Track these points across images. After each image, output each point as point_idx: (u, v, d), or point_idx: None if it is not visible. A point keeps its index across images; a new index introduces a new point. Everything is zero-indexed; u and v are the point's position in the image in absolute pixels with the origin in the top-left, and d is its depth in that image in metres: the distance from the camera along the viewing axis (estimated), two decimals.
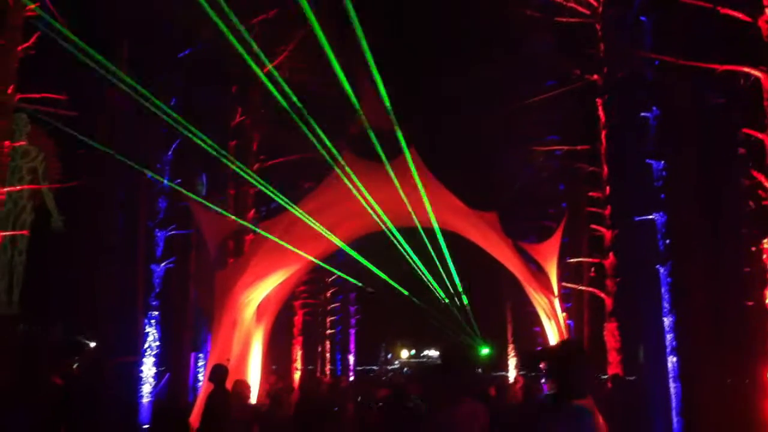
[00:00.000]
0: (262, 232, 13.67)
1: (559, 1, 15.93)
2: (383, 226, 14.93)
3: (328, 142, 10.99)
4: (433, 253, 16.54)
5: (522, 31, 17.26)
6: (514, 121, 17.87)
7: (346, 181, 12.46)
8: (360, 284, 26.65)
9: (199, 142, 10.98)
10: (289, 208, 13.39)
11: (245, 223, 14.30)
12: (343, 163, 12.56)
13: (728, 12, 9.97)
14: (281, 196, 13.10)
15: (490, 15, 17.71)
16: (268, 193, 13.06)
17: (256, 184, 14.35)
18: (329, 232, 14.79)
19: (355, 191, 12.73)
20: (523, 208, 19.49)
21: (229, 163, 14.17)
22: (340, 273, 22.06)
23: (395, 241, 15.27)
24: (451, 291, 21.70)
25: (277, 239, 13.17)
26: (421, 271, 18.15)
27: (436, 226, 14.91)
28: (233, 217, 13.99)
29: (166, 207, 14.32)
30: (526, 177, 18.74)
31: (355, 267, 20.87)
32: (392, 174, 12.36)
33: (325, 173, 13.82)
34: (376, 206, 13.43)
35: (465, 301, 22.20)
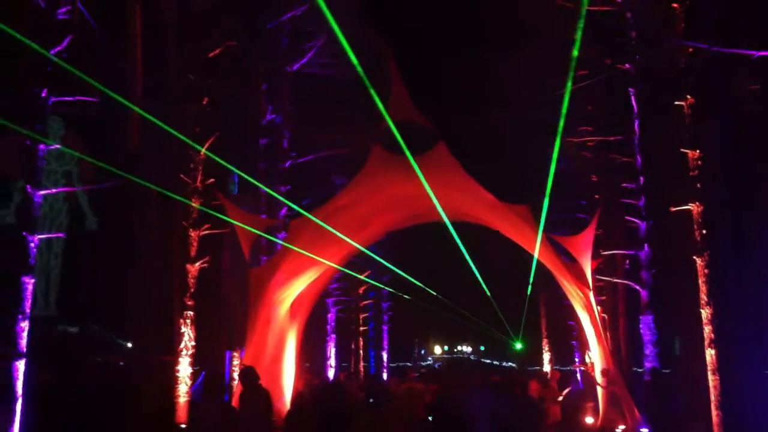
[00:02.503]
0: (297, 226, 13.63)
1: None
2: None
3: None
4: (463, 249, 16.47)
5: (554, 20, 17.10)
6: (546, 112, 17.69)
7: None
8: (390, 288, 26.65)
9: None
10: (305, 214, 13.45)
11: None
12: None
13: None
14: (291, 204, 13.10)
15: (523, 5, 17.58)
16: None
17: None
18: (355, 232, 14.81)
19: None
20: (556, 201, 19.29)
21: None
22: (367, 279, 22.06)
23: (434, 236, 15.21)
24: (483, 287, 21.60)
25: (323, 223, 13.12)
26: (454, 266, 18.11)
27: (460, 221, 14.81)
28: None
29: (199, 207, 14.38)
30: (559, 168, 18.57)
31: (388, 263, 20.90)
32: (418, 170, 12.28)
33: (356, 168, 13.81)
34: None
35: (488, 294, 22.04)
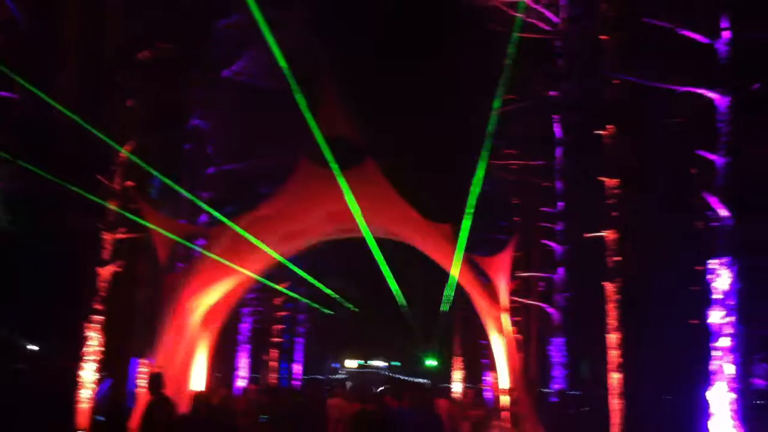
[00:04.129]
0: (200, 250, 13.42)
1: (521, 17, 16.11)
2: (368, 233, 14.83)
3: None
4: (383, 265, 16.55)
5: (485, 44, 17.41)
6: (472, 133, 17.98)
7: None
8: (310, 301, 26.46)
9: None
10: (227, 222, 13.27)
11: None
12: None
13: (688, 33, 10.18)
14: (212, 210, 12.89)
15: (454, 29, 17.88)
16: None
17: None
18: (276, 243, 14.67)
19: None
20: (478, 221, 19.57)
21: None
22: (285, 290, 21.85)
23: (353, 250, 15.21)
24: (400, 303, 21.74)
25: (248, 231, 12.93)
26: (374, 282, 18.17)
27: (369, 236, 14.86)
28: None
29: (116, 209, 13.96)
30: (482, 190, 18.87)
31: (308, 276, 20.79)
32: (345, 186, 12.28)
33: (282, 180, 13.71)
34: (356, 212, 13.33)
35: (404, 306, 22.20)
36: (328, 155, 11.16)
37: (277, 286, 19.65)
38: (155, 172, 14.08)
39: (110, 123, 13.07)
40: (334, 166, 11.53)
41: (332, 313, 24.37)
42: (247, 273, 15.58)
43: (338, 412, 16.72)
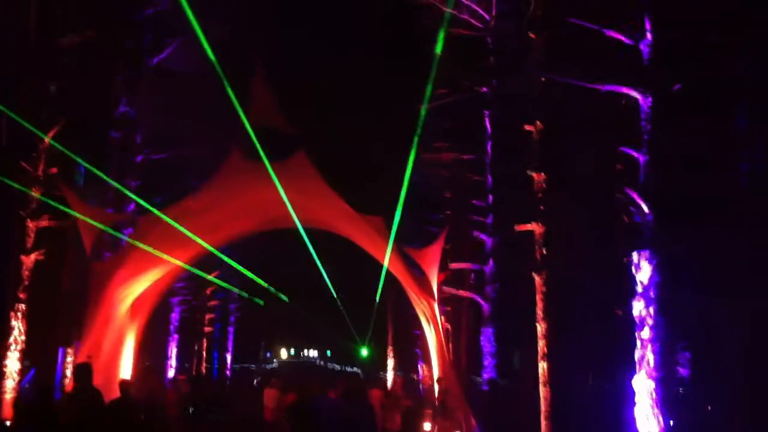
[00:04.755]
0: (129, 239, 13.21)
1: (453, 13, 16.27)
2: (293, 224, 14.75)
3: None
4: (314, 255, 16.54)
5: (418, 39, 17.56)
6: (405, 126, 18.09)
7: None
8: (237, 290, 26.22)
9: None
10: (155, 212, 13.07)
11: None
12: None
13: (613, 34, 10.46)
14: (139, 199, 12.67)
15: (389, 23, 17.96)
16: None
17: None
18: (207, 233, 14.53)
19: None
20: (410, 214, 19.73)
21: None
22: (215, 280, 21.67)
23: (287, 239, 15.18)
24: (332, 293, 21.76)
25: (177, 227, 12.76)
26: (306, 272, 18.18)
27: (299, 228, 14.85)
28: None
29: (39, 196, 13.59)
30: (414, 183, 19.04)
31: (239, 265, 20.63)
32: (274, 177, 12.22)
33: (212, 170, 13.56)
34: (287, 203, 13.27)
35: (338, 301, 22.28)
36: (258, 146, 11.08)
37: (206, 275, 19.43)
38: (80, 160, 13.74)
39: (33, 108, 12.71)
40: (264, 157, 11.45)
41: (262, 303, 24.22)
42: (176, 262, 15.39)
43: (274, 401, 16.80)
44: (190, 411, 13.24)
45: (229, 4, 15.63)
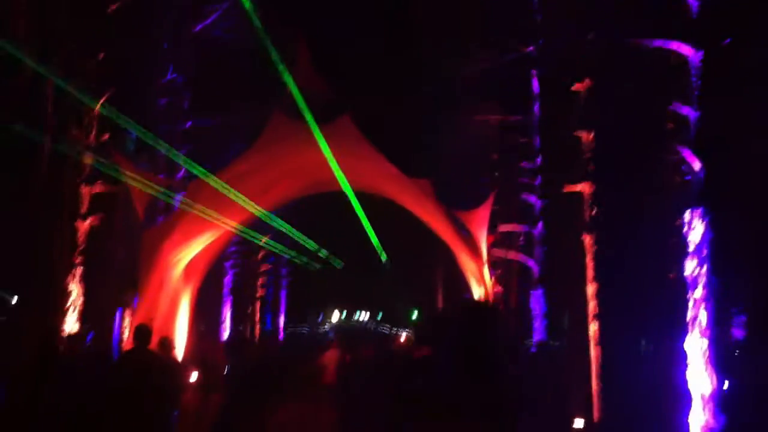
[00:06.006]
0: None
1: None
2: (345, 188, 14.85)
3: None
4: (364, 218, 16.61)
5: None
6: (450, 89, 17.97)
7: None
8: (291, 252, 26.56)
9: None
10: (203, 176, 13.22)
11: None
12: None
13: None
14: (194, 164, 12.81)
15: None
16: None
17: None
18: (258, 196, 14.67)
19: None
20: (457, 176, 19.62)
21: None
22: (268, 244, 21.88)
23: (336, 203, 15.27)
24: (384, 256, 21.90)
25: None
26: (354, 236, 18.27)
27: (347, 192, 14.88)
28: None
29: (92, 162, 13.89)
30: (461, 145, 18.93)
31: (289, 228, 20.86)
32: (320, 138, 12.26)
33: (259, 132, 13.64)
34: (333, 165, 13.36)
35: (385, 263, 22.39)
36: (303, 108, 11.10)
37: (256, 239, 19.63)
38: (131, 126, 13.99)
39: (84, 77, 12.93)
40: (310, 119, 11.48)
41: (316, 266, 24.49)
42: (228, 225, 15.61)
43: (334, 362, 17.09)
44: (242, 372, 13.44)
45: None
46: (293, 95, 11.20)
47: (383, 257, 21.50)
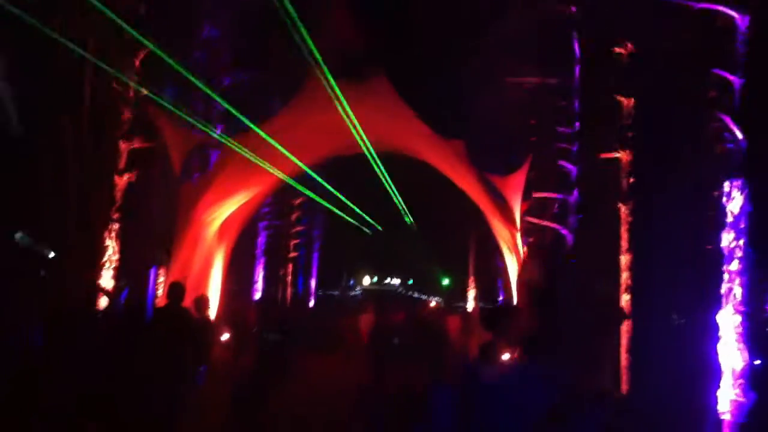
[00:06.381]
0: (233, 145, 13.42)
1: None
2: (364, 148, 14.86)
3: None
4: (389, 181, 16.59)
5: None
6: (486, 49, 17.63)
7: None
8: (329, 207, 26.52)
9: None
10: (254, 128, 13.23)
11: (217, 136, 13.93)
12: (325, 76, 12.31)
13: None
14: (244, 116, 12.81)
15: None
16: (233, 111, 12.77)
17: (221, 101, 14.05)
18: (292, 155, 14.70)
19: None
20: (492, 140, 19.39)
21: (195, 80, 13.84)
22: (306, 191, 21.87)
23: (368, 165, 15.26)
24: (408, 219, 21.84)
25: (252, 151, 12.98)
26: (387, 200, 18.25)
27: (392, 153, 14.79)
28: (201, 127, 13.68)
29: (131, 118, 13.98)
30: (497, 107, 18.66)
31: (323, 189, 20.86)
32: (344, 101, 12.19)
33: (294, 90, 13.63)
34: (355, 126, 13.34)
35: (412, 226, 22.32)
36: (327, 72, 11.04)
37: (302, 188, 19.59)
38: (170, 81, 14.03)
39: (121, 31, 12.95)
40: (335, 81, 11.40)
41: (342, 215, 24.33)
42: (262, 186, 15.68)
43: (369, 326, 17.28)
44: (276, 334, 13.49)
45: None
46: (328, 51, 11.13)
47: (408, 220, 21.46)
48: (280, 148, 13.62)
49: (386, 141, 15.56)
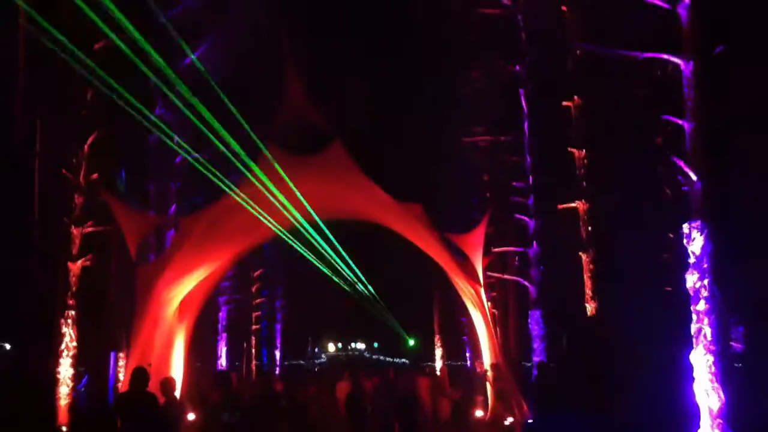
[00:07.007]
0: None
1: None
2: (317, 218, 14.78)
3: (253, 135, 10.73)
4: (337, 247, 16.53)
5: (447, 23, 17.34)
6: (440, 112, 17.95)
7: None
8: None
9: None
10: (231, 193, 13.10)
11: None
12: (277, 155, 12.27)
13: (648, 0, 10.16)
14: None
15: (416, 8, 17.74)
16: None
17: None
18: (246, 230, 14.55)
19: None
20: (449, 199, 19.57)
21: None
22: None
23: (317, 236, 15.16)
24: (367, 287, 21.74)
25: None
26: (344, 264, 18.11)
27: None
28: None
29: (82, 203, 13.73)
30: (452, 168, 18.89)
31: (280, 263, 20.66)
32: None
33: (247, 166, 13.54)
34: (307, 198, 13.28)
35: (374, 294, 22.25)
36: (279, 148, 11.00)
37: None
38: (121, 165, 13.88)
39: (70, 116, 12.84)
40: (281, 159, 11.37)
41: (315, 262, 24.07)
42: (220, 262, 15.46)
43: (343, 392, 16.97)
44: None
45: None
46: (282, 126, 11.13)
47: (360, 287, 21.39)
48: (257, 212, 13.46)
49: (341, 208, 15.54)
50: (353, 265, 18.38)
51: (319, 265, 18.76)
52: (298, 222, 14.82)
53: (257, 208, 13.24)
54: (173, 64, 15.60)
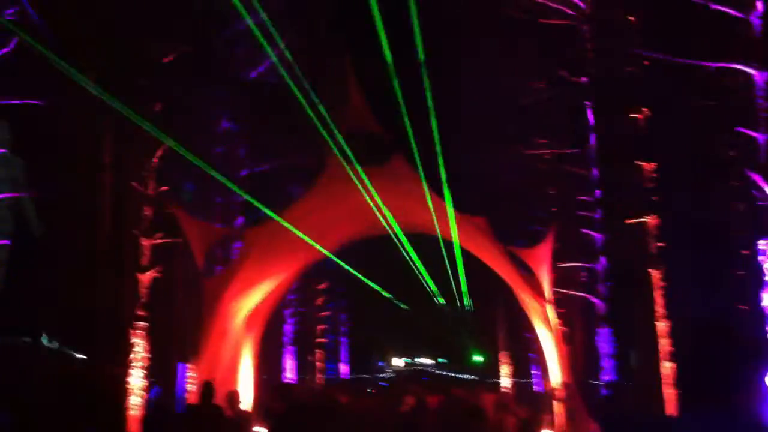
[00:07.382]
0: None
1: (543, 2, 15.87)
2: (388, 229, 14.78)
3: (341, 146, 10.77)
4: (414, 259, 16.42)
5: (510, 32, 17.14)
6: (504, 124, 17.75)
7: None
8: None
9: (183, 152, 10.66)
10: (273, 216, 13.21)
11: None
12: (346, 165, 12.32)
13: (719, 8, 9.87)
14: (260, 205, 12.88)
15: (479, 18, 17.61)
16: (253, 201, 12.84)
17: (241, 193, 14.09)
18: (314, 241, 14.62)
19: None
20: (514, 213, 19.30)
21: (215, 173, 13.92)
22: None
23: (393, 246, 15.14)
24: (448, 297, 21.60)
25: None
26: (413, 279, 18.06)
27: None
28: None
29: (152, 215, 14.04)
30: (515, 181, 18.63)
31: (346, 274, 20.73)
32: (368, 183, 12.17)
33: (313, 178, 13.65)
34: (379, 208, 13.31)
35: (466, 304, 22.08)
36: (350, 153, 11.08)
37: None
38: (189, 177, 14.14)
39: (139, 129, 13.16)
40: (357, 165, 11.44)
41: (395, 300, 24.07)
42: (286, 274, 15.56)
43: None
44: None
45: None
46: (351, 136, 11.19)
47: (440, 300, 21.23)
48: (301, 235, 13.53)
49: (410, 221, 15.46)
50: (422, 277, 18.33)
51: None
52: (361, 235, 14.87)
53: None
54: (238, 77, 15.92)
